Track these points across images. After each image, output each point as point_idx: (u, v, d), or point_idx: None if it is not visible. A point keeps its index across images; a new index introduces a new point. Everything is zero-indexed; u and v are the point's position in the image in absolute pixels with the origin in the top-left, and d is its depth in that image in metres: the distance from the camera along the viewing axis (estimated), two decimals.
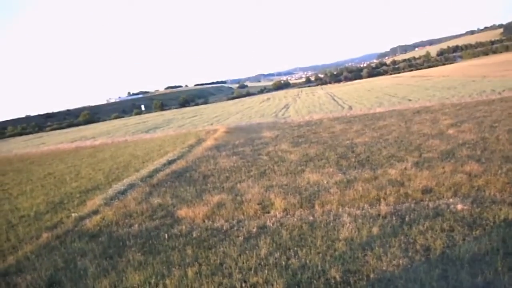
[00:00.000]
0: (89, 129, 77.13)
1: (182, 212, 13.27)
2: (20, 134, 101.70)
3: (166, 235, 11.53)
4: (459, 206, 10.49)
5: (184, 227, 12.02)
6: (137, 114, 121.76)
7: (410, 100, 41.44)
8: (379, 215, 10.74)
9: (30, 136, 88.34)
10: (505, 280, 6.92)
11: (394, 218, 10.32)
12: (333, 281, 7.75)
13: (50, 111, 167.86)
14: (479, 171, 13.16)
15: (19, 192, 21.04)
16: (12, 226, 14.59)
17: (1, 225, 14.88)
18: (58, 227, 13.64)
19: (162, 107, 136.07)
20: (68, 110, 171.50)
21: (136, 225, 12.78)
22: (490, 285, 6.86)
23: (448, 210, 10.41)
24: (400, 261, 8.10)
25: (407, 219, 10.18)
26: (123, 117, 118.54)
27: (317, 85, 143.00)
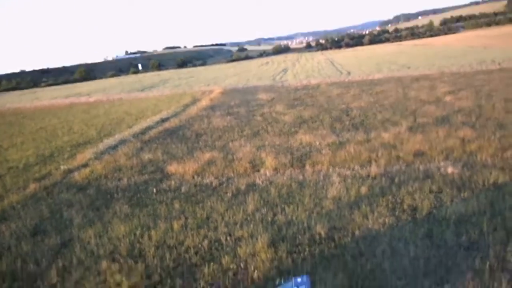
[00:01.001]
0: (84, 86, 76.11)
1: (172, 168, 13.18)
2: (14, 89, 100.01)
3: (154, 189, 11.49)
4: (450, 169, 10.42)
5: (173, 182, 11.95)
6: (134, 73, 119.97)
7: (409, 67, 40.89)
8: (369, 176, 10.67)
9: (25, 91, 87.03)
10: (489, 240, 6.91)
11: (383, 179, 10.25)
12: (317, 237, 7.74)
13: (45, 67, 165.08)
14: (472, 136, 13.05)
15: (10, 145, 20.83)
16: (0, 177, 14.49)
17: None
18: (46, 179, 13.54)
19: (160, 67, 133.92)
20: (64, 67, 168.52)
21: (125, 179, 12.70)
22: (474, 245, 6.85)
23: (439, 173, 10.34)
24: (386, 220, 8.07)
25: (396, 180, 10.12)
26: (120, 75, 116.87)
27: (318, 50, 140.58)
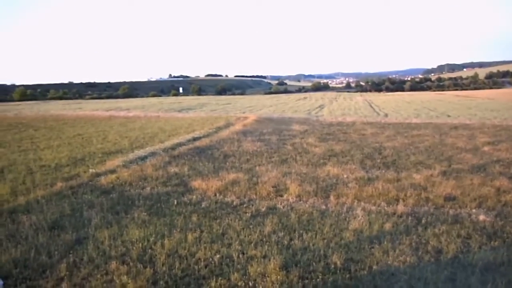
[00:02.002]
0: (126, 102, 78.67)
1: (196, 183, 13.17)
2: (61, 98, 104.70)
3: (175, 201, 11.46)
4: (481, 217, 9.88)
5: (195, 197, 11.91)
6: (174, 95, 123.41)
7: (449, 116, 39.96)
8: (394, 213, 10.26)
9: (70, 101, 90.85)
10: None
11: (410, 219, 9.82)
12: (333, 266, 7.41)
13: (92, 81, 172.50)
14: (508, 187, 12.42)
15: (46, 146, 21.54)
16: (31, 173, 14.90)
17: (21, 171, 15.23)
18: (73, 179, 13.82)
19: (200, 92, 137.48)
20: (109, 82, 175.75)
21: (149, 188, 12.77)
22: None
23: (469, 219, 9.83)
24: (408, 259, 7.65)
25: (423, 221, 9.67)
26: (161, 96, 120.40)
27: (357, 91, 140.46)
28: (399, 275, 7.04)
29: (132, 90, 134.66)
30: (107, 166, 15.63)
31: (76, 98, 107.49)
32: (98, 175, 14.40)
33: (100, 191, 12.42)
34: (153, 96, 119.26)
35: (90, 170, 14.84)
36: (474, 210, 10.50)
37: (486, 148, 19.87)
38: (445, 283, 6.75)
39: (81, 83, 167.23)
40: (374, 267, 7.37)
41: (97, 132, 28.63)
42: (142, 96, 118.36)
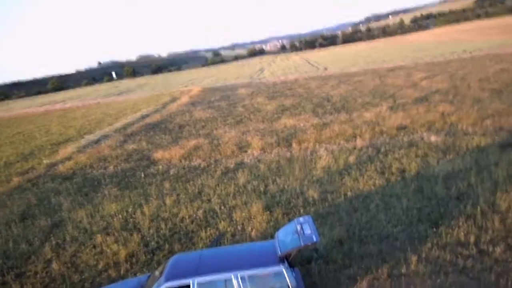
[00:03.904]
0: (59, 95, 74.75)
1: (158, 155, 13.12)
2: None
3: (142, 174, 11.42)
4: (433, 138, 10.72)
5: (160, 167, 11.90)
6: (108, 81, 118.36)
7: (384, 61, 41.65)
8: (355, 148, 10.87)
9: None
10: (479, 190, 7.14)
11: (370, 150, 10.48)
12: (311, 199, 7.86)
13: (15, 80, 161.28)
14: (451, 110, 13.44)
15: None
16: None
17: None
18: (29, 173, 13.32)
19: (134, 74, 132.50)
20: (35, 79, 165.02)
21: (111, 167, 12.58)
22: (463, 195, 7.07)
23: (422, 141, 10.62)
24: (377, 182, 8.25)
25: (382, 149, 10.35)
26: (94, 84, 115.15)
27: (292, 52, 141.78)
28: (372, 196, 7.60)
29: (62, 82, 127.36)
30: (61, 155, 15.12)
31: (3, 100, 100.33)
32: (53, 164, 13.93)
33: (62, 178, 12.09)
34: (87, 85, 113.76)
35: (44, 161, 14.33)
36: (425, 134, 11.33)
37: (423, 83, 21.09)
38: (414, 194, 7.39)
39: (5, 84, 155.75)
40: (349, 193, 7.89)
41: (37, 127, 27.22)
42: (74, 87, 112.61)
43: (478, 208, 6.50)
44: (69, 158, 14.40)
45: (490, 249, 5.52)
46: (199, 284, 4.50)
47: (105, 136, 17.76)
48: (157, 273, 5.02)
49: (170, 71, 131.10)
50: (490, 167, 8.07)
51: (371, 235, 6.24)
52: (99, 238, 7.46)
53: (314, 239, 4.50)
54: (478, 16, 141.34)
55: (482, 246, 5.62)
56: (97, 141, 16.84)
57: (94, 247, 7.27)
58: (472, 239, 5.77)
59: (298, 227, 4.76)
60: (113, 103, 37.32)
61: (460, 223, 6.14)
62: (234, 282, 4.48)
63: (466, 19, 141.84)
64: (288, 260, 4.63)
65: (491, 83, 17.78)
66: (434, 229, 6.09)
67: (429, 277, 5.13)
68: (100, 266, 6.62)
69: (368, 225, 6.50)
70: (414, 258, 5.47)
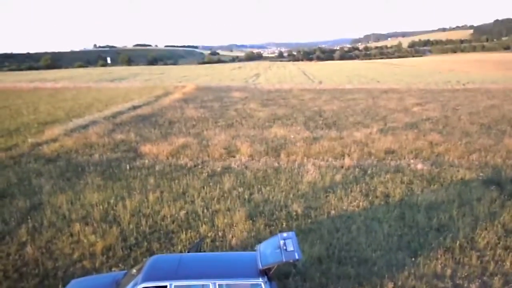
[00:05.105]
0: (50, 73, 73.73)
1: (146, 148, 13.02)
2: None
3: (128, 166, 11.32)
4: (419, 166, 10.86)
5: (147, 161, 11.82)
6: (102, 65, 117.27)
7: (378, 81, 42.14)
8: (342, 167, 10.95)
9: None
10: (459, 223, 7.26)
11: (357, 170, 10.57)
12: (294, 213, 7.89)
13: (8, 52, 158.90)
14: (440, 140, 13.65)
15: None
16: None
17: None
18: (12, 150, 13.10)
19: (130, 62, 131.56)
20: (28, 53, 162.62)
21: (97, 155, 12.45)
22: (444, 227, 7.18)
23: (409, 168, 10.75)
24: (360, 203, 8.33)
25: (369, 171, 10.45)
26: (87, 67, 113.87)
27: (289, 61, 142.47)
28: (355, 217, 7.67)
29: (55, 60, 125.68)
30: (47, 136, 14.90)
31: None
32: (38, 144, 13.72)
33: (45, 160, 11.93)
34: (80, 67, 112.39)
35: (29, 140, 14.10)
36: (412, 161, 11.48)
37: (415, 109, 21.38)
38: (396, 221, 7.48)
39: None
40: (332, 211, 7.95)
41: (26, 103, 26.81)
42: (67, 67, 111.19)
43: (457, 242, 6.62)
44: (54, 140, 14.21)
45: (466, 284, 5.62)
46: None
47: (94, 122, 17.56)
48: (134, 271, 4.98)
49: (166, 64, 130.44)
50: (472, 202, 8.21)
51: (350, 257, 6.29)
52: (77, 227, 7.37)
53: (297, 257, 4.52)
54: (474, 49, 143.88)
55: (457, 280, 5.72)
56: (85, 126, 16.65)
57: (72, 235, 7.18)
58: (448, 272, 5.87)
59: (281, 243, 4.77)
60: (105, 89, 36.97)
61: (439, 255, 6.24)
62: None
63: (463, 50, 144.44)
64: (267, 274, 4.63)
65: (481, 118, 18.13)
66: (413, 258, 6.17)
67: None
68: (75, 256, 6.54)
69: (348, 247, 6.56)
70: (390, 285, 5.54)
